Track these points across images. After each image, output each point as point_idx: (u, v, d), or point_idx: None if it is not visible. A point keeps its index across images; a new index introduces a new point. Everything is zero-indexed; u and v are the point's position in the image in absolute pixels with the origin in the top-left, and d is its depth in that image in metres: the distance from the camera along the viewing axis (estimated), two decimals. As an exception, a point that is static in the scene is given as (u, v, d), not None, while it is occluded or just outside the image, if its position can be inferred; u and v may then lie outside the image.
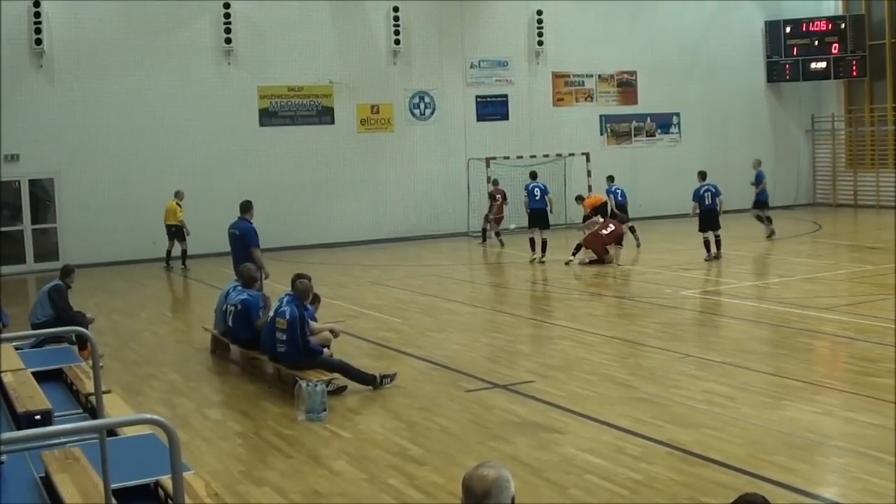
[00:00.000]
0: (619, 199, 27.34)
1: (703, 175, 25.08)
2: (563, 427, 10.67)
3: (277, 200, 31.41)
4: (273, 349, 13.26)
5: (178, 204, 27.96)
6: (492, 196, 31.14)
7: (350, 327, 16.62)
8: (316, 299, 14.27)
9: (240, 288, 15.04)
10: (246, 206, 17.39)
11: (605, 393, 12.10)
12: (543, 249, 25.78)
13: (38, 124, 29.29)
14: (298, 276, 13.53)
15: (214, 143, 31.36)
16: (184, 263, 27.91)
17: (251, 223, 17.11)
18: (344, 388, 12.76)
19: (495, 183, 31.47)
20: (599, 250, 24.59)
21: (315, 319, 13.83)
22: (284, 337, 12.97)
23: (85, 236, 29.68)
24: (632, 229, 27.27)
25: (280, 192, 31.75)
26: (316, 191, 32.75)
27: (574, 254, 24.93)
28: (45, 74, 29.70)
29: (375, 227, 33.33)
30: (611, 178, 28.55)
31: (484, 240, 31.32)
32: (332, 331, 13.92)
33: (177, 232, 27.92)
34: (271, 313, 13.62)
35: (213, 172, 30.66)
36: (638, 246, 27.27)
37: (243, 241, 16.97)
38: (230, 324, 14.79)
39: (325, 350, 13.24)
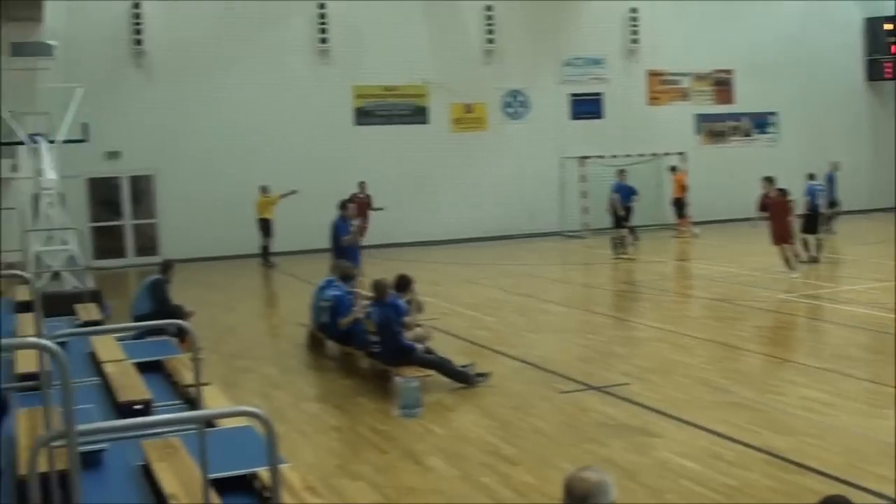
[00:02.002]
0: (818, 197, 25.23)
1: (811, 177, 24.72)
2: (658, 431, 10.53)
3: (372, 199, 31.51)
4: (368, 346, 13.32)
5: (266, 198, 28.21)
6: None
7: (445, 325, 16.60)
8: (404, 284, 14.01)
9: (335, 284, 15.13)
10: (343, 206, 17.88)
11: (701, 397, 11.92)
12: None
13: (137, 122, 29.91)
14: (401, 277, 13.77)
15: (309, 142, 31.65)
16: (266, 259, 28.09)
17: (344, 220, 17.46)
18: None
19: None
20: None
21: (408, 314, 13.75)
22: (376, 337, 13.05)
23: (183, 231, 30.18)
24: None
25: (375, 191, 31.77)
26: (410, 190, 32.86)
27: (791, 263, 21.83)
28: (144, 74, 30.31)
29: (469, 225, 33.31)
30: (811, 176, 26.57)
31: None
32: (426, 328, 13.89)
33: (263, 226, 28.17)
34: (360, 314, 13.73)
35: (308, 171, 30.84)
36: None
37: (335, 237, 17.35)
38: (325, 319, 14.91)
39: (420, 346, 13.20)
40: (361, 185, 28.32)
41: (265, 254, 28.30)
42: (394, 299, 13.30)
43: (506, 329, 17.14)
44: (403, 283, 13.93)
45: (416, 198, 33.00)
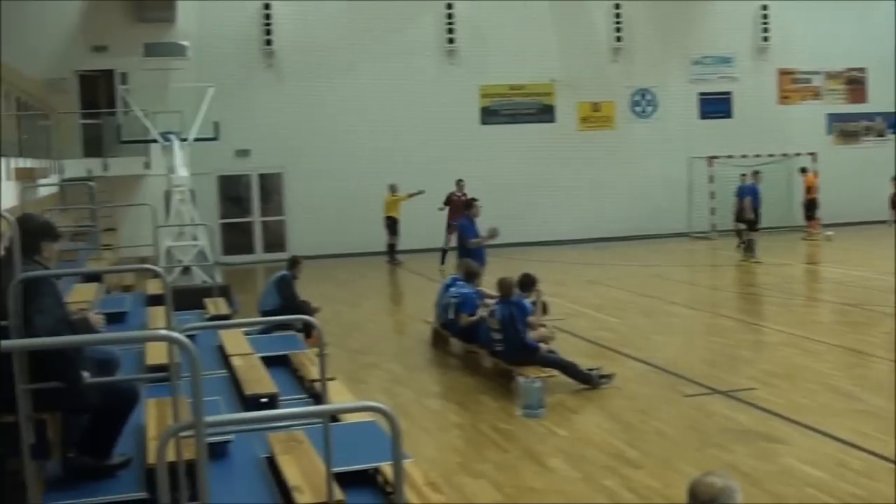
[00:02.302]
0: None
1: None
2: (783, 437, 10.35)
3: (497, 198, 31.24)
4: (491, 344, 13.34)
5: (394, 197, 28.41)
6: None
7: (569, 326, 16.54)
8: (528, 282, 13.97)
9: (460, 282, 15.21)
10: (469, 204, 18.14)
11: (828, 403, 11.68)
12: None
13: (267, 121, 30.47)
14: (525, 276, 13.73)
15: (435, 141, 31.81)
16: (392, 257, 28.19)
17: (470, 219, 17.49)
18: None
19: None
20: None
21: (532, 313, 13.71)
22: (500, 336, 13.05)
23: (310, 229, 30.63)
24: None
25: (500, 190, 31.78)
26: (536, 189, 32.78)
27: None
28: (274, 74, 30.88)
29: (594, 225, 33.08)
30: None
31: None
32: (550, 329, 13.85)
33: (390, 225, 28.36)
34: (484, 312, 13.74)
35: (434, 170, 30.81)
36: None
37: (461, 236, 17.52)
38: (449, 317, 15.00)
39: (544, 346, 13.17)
40: (459, 183, 27.84)
41: (391, 252, 28.44)
42: (518, 298, 13.29)
43: (631, 331, 17.00)
44: (528, 282, 13.90)
45: (542, 197, 32.89)
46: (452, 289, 15.18)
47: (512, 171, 32.41)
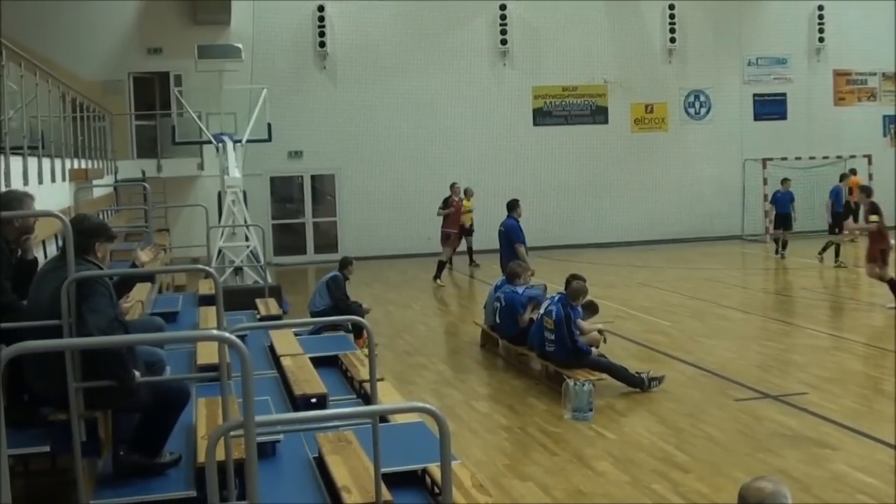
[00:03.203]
0: None
1: None
2: (835, 443, 10.26)
3: (549, 199, 31.61)
4: (541, 346, 13.33)
5: (468, 203, 27.34)
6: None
7: (618, 328, 16.47)
8: (592, 308, 14.17)
9: (504, 285, 15.23)
10: (512, 205, 17.89)
11: (882, 409, 11.54)
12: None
13: (320, 123, 30.62)
14: (574, 277, 13.56)
15: (487, 143, 31.84)
16: (471, 259, 27.48)
17: (517, 220, 17.46)
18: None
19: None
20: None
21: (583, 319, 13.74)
22: (552, 336, 13.00)
23: (362, 230, 30.79)
24: None
25: (552, 191, 31.92)
26: (588, 190, 32.78)
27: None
28: (328, 75, 31.02)
29: (647, 227, 32.95)
30: None
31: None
32: (599, 331, 13.80)
33: (464, 231, 27.25)
34: (541, 311, 13.69)
35: (486, 171, 31.02)
36: None
37: (508, 238, 17.41)
38: (498, 319, 15.01)
39: (595, 349, 13.16)
40: (454, 188, 26.13)
41: (470, 253, 27.58)
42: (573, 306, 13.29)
43: (681, 334, 16.91)
44: (592, 308, 14.12)
45: (593, 198, 32.87)
46: (501, 290, 15.15)
47: (564, 172, 32.38)
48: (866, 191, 20.19)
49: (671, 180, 33.45)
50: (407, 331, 18.03)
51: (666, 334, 16.88)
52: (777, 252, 27.49)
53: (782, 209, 27.06)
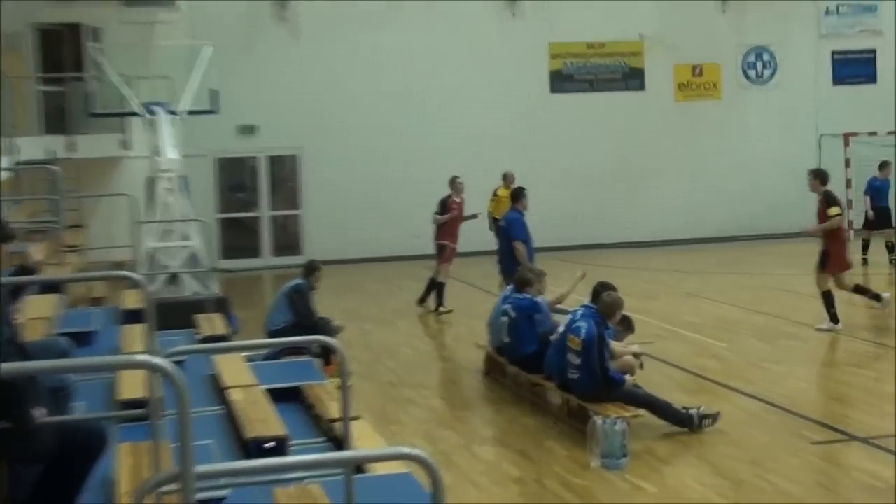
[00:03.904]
0: None
1: None
2: (943, 497, 10.22)
3: (570, 187, 31.67)
4: (562, 374, 13.25)
5: (506, 191, 25.11)
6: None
7: (659, 351, 16.47)
8: (628, 325, 14.13)
9: (513, 295, 15.17)
10: (517, 194, 18.15)
11: None
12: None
13: (280, 90, 30.70)
14: (604, 286, 13.55)
15: (493, 114, 31.90)
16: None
17: (521, 214, 17.44)
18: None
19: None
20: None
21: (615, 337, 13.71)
22: (578, 360, 12.89)
23: (333, 227, 30.85)
24: None
25: (573, 177, 32.08)
26: (619, 175, 32.96)
27: None
28: (288, 29, 31.18)
29: (695, 222, 33.16)
30: None
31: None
32: (635, 355, 13.76)
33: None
34: (561, 328, 13.64)
35: (491, 149, 30.92)
36: None
37: (508, 235, 17.59)
38: (507, 338, 14.93)
39: (629, 378, 13.13)
40: (456, 183, 23.90)
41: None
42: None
43: (741, 358, 16.91)
44: (628, 325, 14.05)
45: (626, 186, 33.07)
46: (509, 301, 15.10)
47: (589, 152, 32.52)
48: (819, 176, 19.59)
49: (726, 162, 33.49)
50: (390, 355, 17.98)
51: (720, 359, 16.86)
52: (865, 258, 26.73)
53: (880, 201, 26.65)
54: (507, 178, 26.19)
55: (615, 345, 13.40)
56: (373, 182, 31.20)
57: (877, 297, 19.26)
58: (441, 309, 22.55)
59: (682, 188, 33.25)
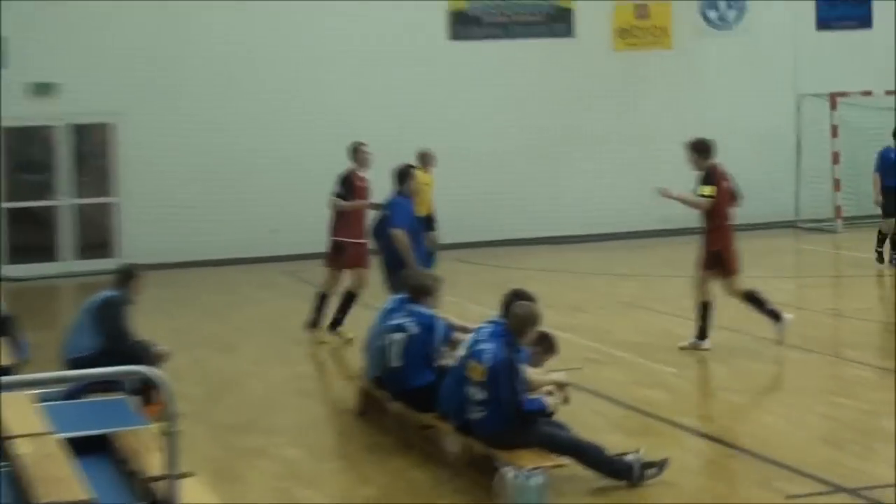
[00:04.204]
0: None
1: None
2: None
3: (475, 165, 31.62)
4: (461, 413, 13.20)
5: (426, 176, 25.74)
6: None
7: (589, 380, 16.58)
8: (548, 346, 14.08)
9: (409, 306, 15.07)
10: (403, 174, 18.54)
11: None
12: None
13: (86, 40, 30.50)
14: (517, 295, 13.54)
15: (373, 71, 32.01)
16: None
17: (407, 198, 17.47)
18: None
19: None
20: None
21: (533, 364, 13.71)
22: (482, 395, 12.86)
23: (158, 220, 30.69)
24: None
25: (479, 152, 32.36)
26: (539, 149, 33.23)
27: None
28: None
29: (633, 210, 33.53)
30: None
31: None
32: (558, 386, 13.76)
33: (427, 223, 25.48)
34: (461, 352, 13.59)
35: (369, 119, 30.84)
36: None
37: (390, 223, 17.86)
38: (397, 362, 14.74)
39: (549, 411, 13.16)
40: (360, 153, 22.47)
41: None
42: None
43: (694, 387, 17.29)
44: (549, 346, 13.99)
45: (547, 164, 33.36)
46: (395, 319, 14.94)
47: (501, 119, 32.73)
48: (699, 148, 19.82)
49: (678, 130, 33.53)
50: (232, 390, 17.95)
51: (669, 388, 17.00)
52: (883, 258, 27.10)
53: (891, 180, 26.75)
54: (424, 159, 26.44)
55: (531, 372, 13.35)
56: (214, 160, 31.11)
57: (774, 316, 19.23)
58: (336, 333, 21.68)
59: (619, 166, 33.40)
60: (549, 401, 13.29)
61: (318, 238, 23.08)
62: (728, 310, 22.38)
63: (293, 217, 28.46)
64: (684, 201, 19.79)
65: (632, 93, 33.96)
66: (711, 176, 19.21)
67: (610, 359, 18.73)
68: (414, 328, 14.66)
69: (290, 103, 31.30)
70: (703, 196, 19.00)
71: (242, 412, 16.65)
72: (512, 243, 31.35)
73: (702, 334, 18.97)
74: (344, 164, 21.63)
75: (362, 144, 22.52)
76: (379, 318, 15.66)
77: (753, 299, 19.22)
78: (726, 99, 34.44)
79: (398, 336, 14.80)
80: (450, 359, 14.19)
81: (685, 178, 32.79)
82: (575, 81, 33.49)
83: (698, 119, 33.51)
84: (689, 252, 29.71)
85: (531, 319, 13.18)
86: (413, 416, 14.64)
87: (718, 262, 19.15)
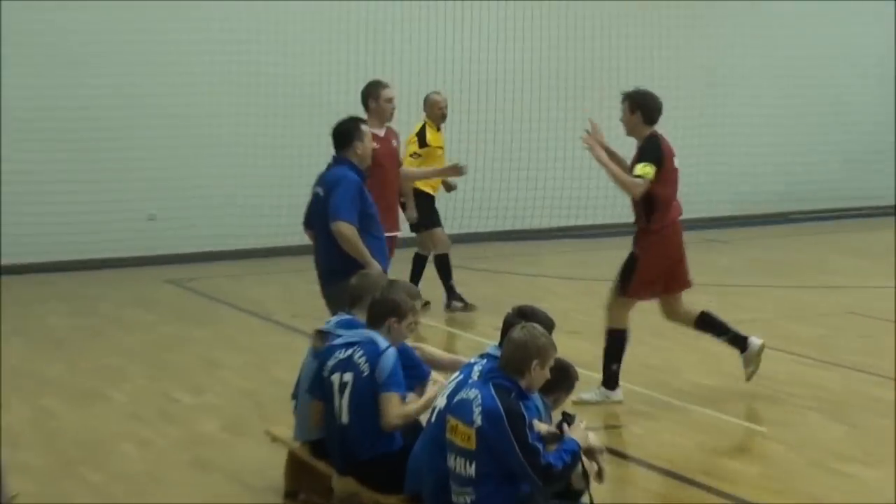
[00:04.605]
0: None
1: None
2: None
3: (450, 138, 30.80)
4: (440, 494, 11.98)
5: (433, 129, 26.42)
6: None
7: (635, 443, 16.73)
8: (562, 379, 12.73)
9: (356, 328, 13.86)
10: (346, 135, 17.33)
11: None
12: None
13: None
14: (522, 314, 12.29)
15: (270, 29, 33.00)
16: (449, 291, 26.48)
17: (356, 169, 17.00)
18: None
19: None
20: None
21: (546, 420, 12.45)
22: (473, 467, 11.50)
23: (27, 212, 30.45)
24: None
25: (465, 120, 32.77)
26: (533, 122, 34.61)
27: None
28: None
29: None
30: None
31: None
32: (587, 453, 12.22)
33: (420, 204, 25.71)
34: (440, 402, 12.37)
35: (267, 91, 32.99)
36: None
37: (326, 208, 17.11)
38: (337, 422, 13.53)
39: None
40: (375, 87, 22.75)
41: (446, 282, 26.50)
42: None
43: (796, 454, 16.12)
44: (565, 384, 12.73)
45: (545, 136, 34.65)
46: (339, 349, 13.56)
47: (483, 76, 34.20)
48: (638, 103, 18.81)
49: (714, 106, 34.40)
50: (94, 457, 16.89)
51: (758, 456, 16.56)
52: None
53: None
54: (432, 107, 26.01)
55: (542, 427, 12.03)
56: (77, 137, 31.08)
57: (740, 344, 18.66)
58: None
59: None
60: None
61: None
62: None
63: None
64: (611, 173, 18.38)
65: (651, 46, 35.42)
66: (653, 152, 18.04)
67: (666, 410, 17.79)
68: (363, 365, 13.34)
69: (158, 72, 32.28)
70: (639, 176, 17.69)
71: (110, 492, 15.37)
72: (496, 237, 33.30)
73: (610, 382, 18.34)
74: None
75: (384, 85, 22.66)
76: (313, 352, 14.53)
77: (708, 324, 18.41)
78: (783, 61, 36.16)
79: (346, 378, 13.47)
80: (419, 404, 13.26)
81: (715, 165, 32.67)
82: (580, 34, 34.98)
83: (743, 90, 35.70)
84: (780, 241, 29.57)
85: (534, 351, 11.70)
86: (370, 498, 13.27)
87: (657, 274, 18.14)
